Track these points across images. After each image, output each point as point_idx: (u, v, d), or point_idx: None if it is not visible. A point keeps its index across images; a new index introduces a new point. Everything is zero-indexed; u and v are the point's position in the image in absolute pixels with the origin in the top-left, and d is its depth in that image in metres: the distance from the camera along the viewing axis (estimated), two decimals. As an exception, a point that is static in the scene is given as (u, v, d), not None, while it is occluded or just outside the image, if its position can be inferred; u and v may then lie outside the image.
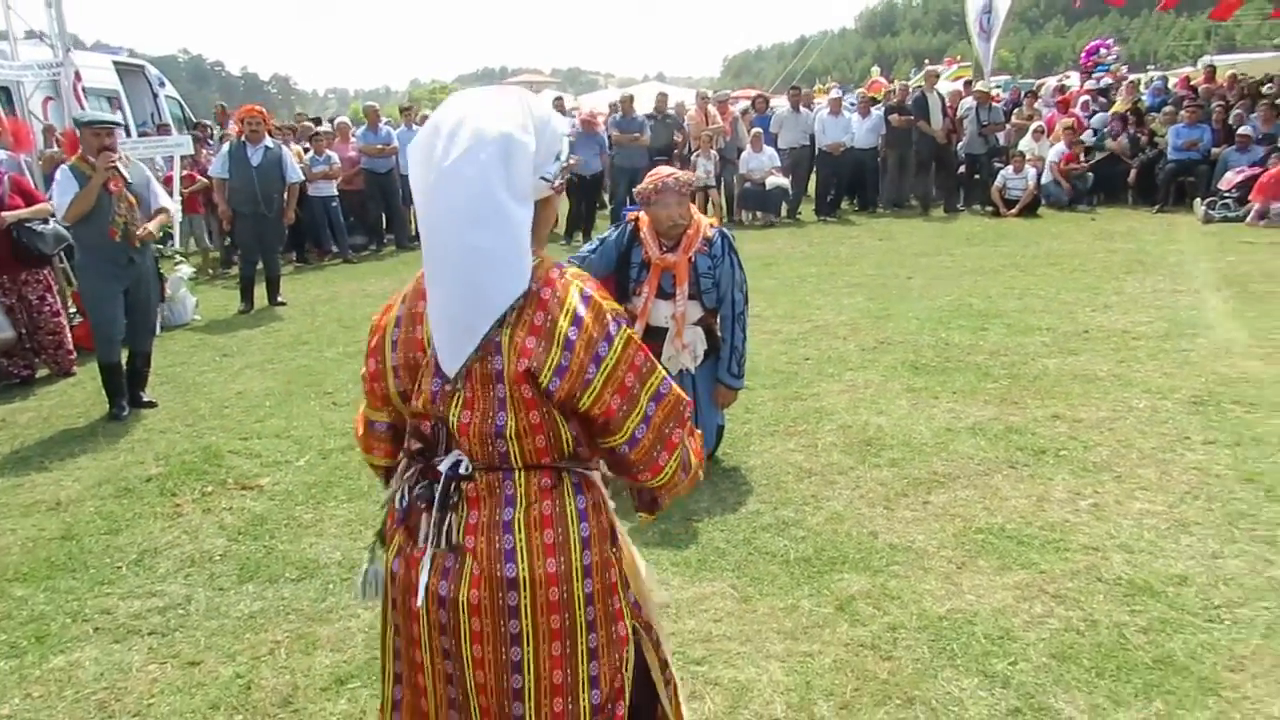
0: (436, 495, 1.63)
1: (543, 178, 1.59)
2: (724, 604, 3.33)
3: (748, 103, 15.55)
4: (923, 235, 11.81)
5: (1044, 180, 13.23)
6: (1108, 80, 16.73)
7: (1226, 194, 11.86)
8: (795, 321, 7.48)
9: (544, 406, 1.59)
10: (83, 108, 7.99)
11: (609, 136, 12.98)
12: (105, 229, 5.37)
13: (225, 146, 9.08)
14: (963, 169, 13.92)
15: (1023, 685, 2.80)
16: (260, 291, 9.08)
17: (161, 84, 14.79)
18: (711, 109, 13.40)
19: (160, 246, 8.61)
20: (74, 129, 5.58)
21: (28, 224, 6.24)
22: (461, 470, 1.63)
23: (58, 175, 5.57)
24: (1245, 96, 14.20)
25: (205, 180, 10.45)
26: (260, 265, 9.10)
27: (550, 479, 1.66)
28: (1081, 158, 13.37)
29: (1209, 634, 3.02)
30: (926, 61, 37.99)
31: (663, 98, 13.75)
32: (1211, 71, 16.69)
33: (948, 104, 13.75)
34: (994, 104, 13.91)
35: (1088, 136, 14.01)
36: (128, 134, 12.41)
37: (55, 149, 9.09)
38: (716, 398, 4.36)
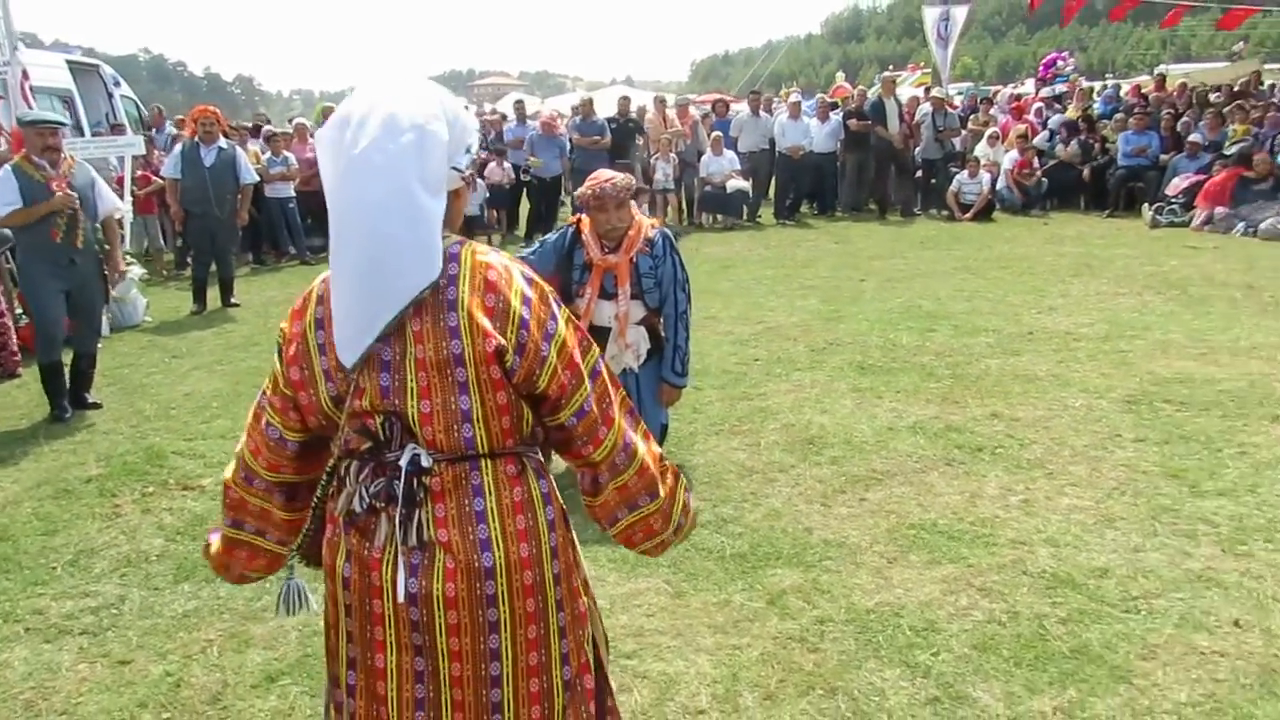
0: (399, 492, 1.60)
1: (454, 168, 1.61)
2: (657, 599, 3.38)
3: (708, 107, 15.65)
4: (879, 239, 11.96)
5: (999, 186, 13.46)
6: (1063, 89, 17.03)
7: (1174, 199, 12.13)
8: (748, 323, 7.56)
9: (509, 387, 1.61)
10: (30, 107, 7.87)
11: (570, 139, 13.01)
12: (47, 230, 5.32)
13: (178, 147, 9.00)
14: (919, 174, 14.11)
15: (943, 675, 2.87)
16: (213, 293, 9.01)
17: (117, 83, 14.56)
18: (670, 112, 13.48)
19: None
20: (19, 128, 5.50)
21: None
22: (423, 463, 1.60)
23: (0, 174, 5.51)
24: (1193, 105, 14.54)
25: (161, 181, 10.34)
26: (213, 266, 9.03)
27: (514, 465, 1.67)
28: (1035, 163, 13.60)
29: (1125, 624, 3.11)
30: (890, 67, 38.52)
31: (624, 101, 13.80)
32: (1161, 80, 17.07)
33: (905, 110, 13.94)
34: (950, 110, 14.12)
35: (1041, 140, 14.26)
36: (81, 134, 12.29)
37: (3, 147, 8.95)
38: (660, 395, 4.41)
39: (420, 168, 1.52)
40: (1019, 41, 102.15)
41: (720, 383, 5.94)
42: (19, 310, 7.27)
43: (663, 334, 4.41)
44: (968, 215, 12.98)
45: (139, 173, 10.78)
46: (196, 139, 8.67)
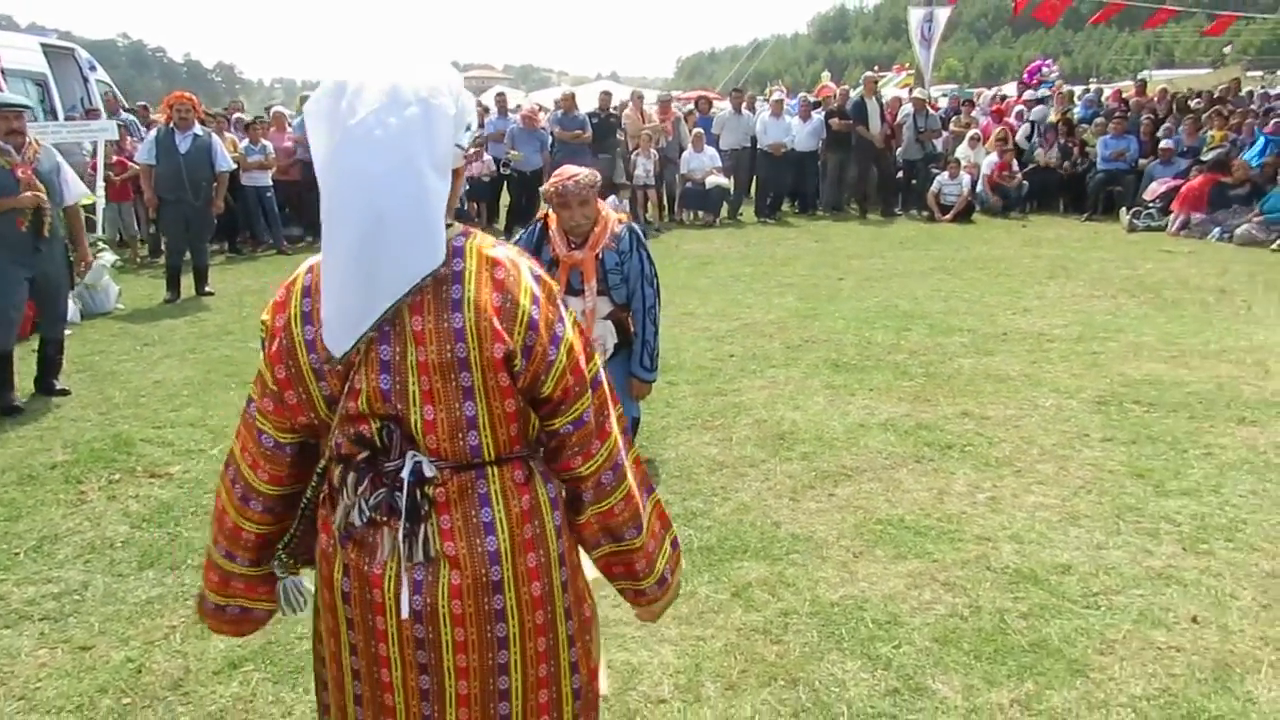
0: (402, 505, 1.50)
1: (457, 145, 1.51)
2: (624, 591, 3.38)
3: (690, 104, 15.66)
4: (858, 238, 12.01)
5: (979, 188, 13.55)
6: (1046, 94, 17.13)
7: (1151, 204, 12.25)
8: (725, 319, 7.57)
9: (516, 394, 1.51)
10: (1, 90, 7.76)
11: (551, 133, 12.98)
12: (12, 218, 5.24)
13: (152, 133, 8.91)
14: (900, 174, 14.18)
15: (903, 667, 2.89)
16: (188, 281, 8.93)
17: (92, 68, 14.40)
18: (649, 109, 13.47)
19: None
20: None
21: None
22: (426, 473, 1.51)
23: None
24: (1173, 111, 14.67)
25: (136, 167, 10.25)
26: (188, 255, 8.96)
27: (522, 471, 1.58)
28: (1014, 166, 13.69)
29: (1084, 619, 3.14)
30: (876, 68, 38.64)
31: (605, 96, 13.77)
32: (1142, 85, 17.22)
33: (887, 110, 14.00)
34: (931, 111, 14.19)
35: (1021, 139, 14.33)
36: (55, 118, 12.15)
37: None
38: (630, 390, 4.41)
39: (426, 143, 1.41)
40: (1004, 44, 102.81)
41: (694, 378, 5.95)
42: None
43: (631, 329, 4.43)
44: (947, 216, 13.06)
45: (114, 158, 10.68)
46: (172, 125, 8.59)
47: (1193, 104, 15.28)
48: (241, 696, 2.83)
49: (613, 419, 1.65)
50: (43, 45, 13.53)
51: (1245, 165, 11.60)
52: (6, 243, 5.30)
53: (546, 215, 4.19)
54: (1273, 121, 12.40)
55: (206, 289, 8.99)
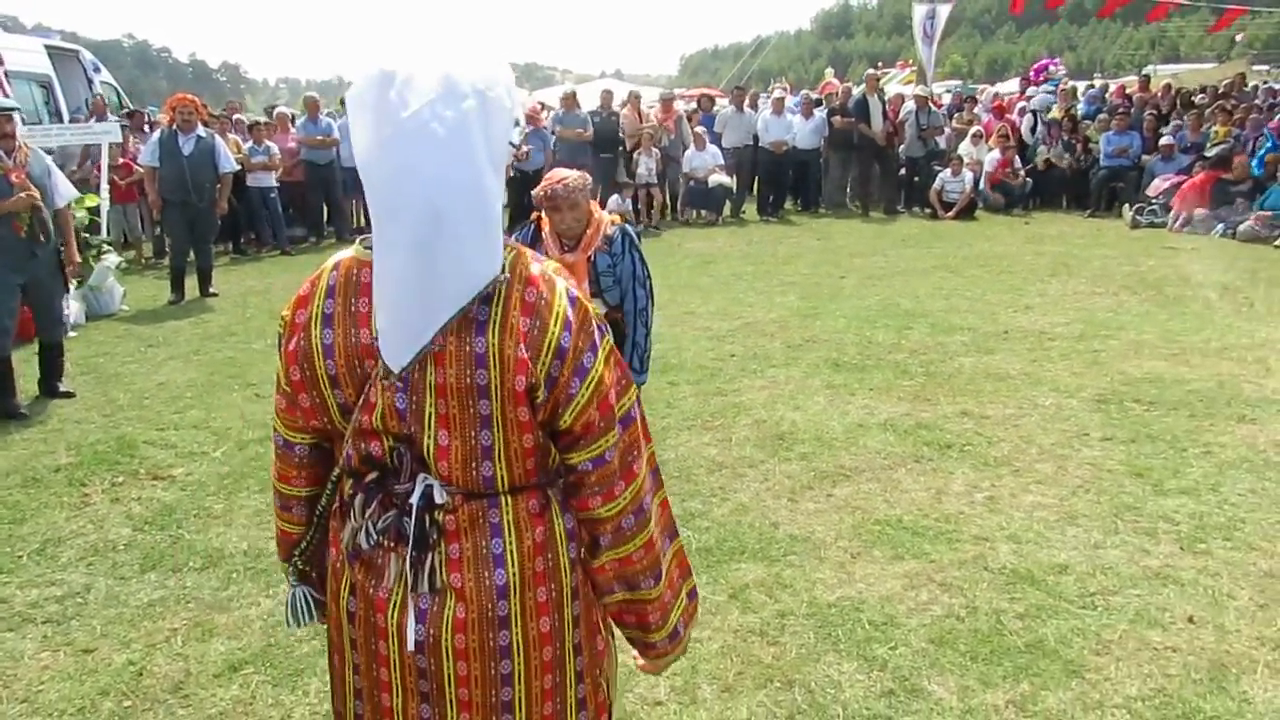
0: (410, 532, 1.43)
1: (510, 142, 1.43)
2: (622, 592, 3.40)
3: (693, 103, 15.65)
4: (861, 236, 12.01)
5: (981, 185, 13.52)
6: (1049, 93, 17.09)
7: (1154, 200, 12.22)
8: (726, 319, 7.58)
9: (536, 429, 1.42)
10: (6, 94, 7.80)
11: (553, 132, 12.99)
12: (9, 223, 5.26)
13: (156, 135, 8.94)
14: (903, 171, 14.16)
15: (899, 668, 2.91)
16: (191, 282, 8.97)
17: (97, 69, 14.46)
18: (647, 108, 13.47)
19: (88, 235, 8.48)
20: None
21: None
22: (436, 499, 1.43)
23: None
24: (1177, 106, 14.63)
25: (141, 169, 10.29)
26: (191, 256, 8.99)
27: (538, 500, 1.48)
28: (1016, 163, 13.66)
29: (1081, 620, 3.15)
30: (880, 64, 38.55)
31: (607, 94, 13.77)
32: (1146, 81, 17.17)
33: (889, 107, 13.98)
34: (934, 108, 14.16)
35: (1025, 132, 14.29)
36: (60, 120, 12.20)
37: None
38: None
39: (484, 139, 1.31)
40: (1008, 40, 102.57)
41: (695, 378, 5.96)
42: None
43: (625, 330, 4.45)
44: (950, 214, 13.04)
45: (121, 161, 10.72)
46: (175, 127, 8.62)
47: (1197, 99, 15.25)
48: (241, 699, 2.85)
49: (643, 460, 1.52)
50: (47, 47, 13.58)
51: (1247, 162, 11.56)
52: (3, 249, 5.32)
53: (539, 217, 4.19)
54: (1277, 118, 12.37)
55: (210, 290, 9.02)
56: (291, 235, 11.94)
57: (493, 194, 1.33)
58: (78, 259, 6.42)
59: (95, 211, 9.13)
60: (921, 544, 3.71)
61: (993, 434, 4.87)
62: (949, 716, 2.69)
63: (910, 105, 13.98)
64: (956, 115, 15.54)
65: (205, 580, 3.55)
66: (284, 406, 1.55)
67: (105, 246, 8.81)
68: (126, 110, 13.93)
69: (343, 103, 14.74)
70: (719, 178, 13.28)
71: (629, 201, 12.95)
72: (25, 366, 5.91)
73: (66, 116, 12.46)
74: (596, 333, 1.44)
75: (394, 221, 1.30)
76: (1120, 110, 13.94)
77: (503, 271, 1.37)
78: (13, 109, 5.64)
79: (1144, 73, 23.23)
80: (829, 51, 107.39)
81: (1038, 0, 19.00)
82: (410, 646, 1.46)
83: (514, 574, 1.46)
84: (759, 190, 14.09)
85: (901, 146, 13.88)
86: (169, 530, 3.99)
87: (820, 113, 13.97)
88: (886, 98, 14.44)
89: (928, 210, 13.43)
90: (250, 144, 11.29)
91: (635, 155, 12.99)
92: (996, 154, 13.55)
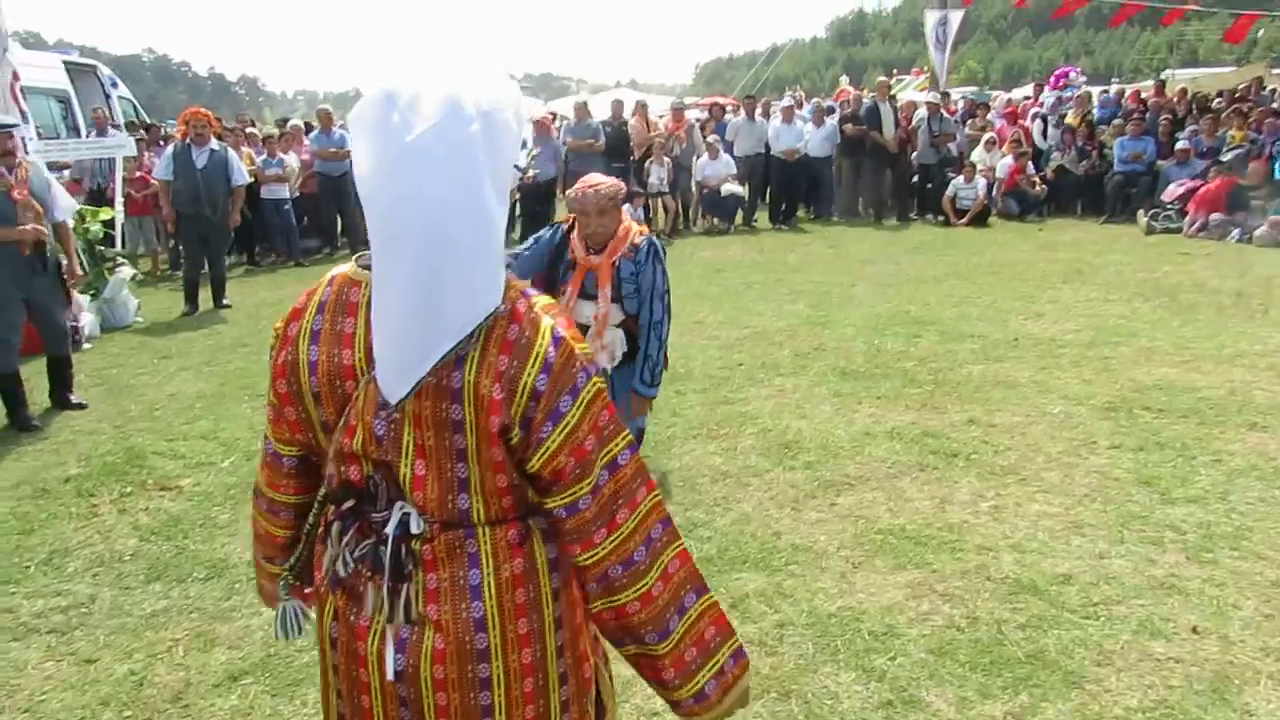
0: (386, 561, 1.41)
1: (515, 165, 1.42)
2: (622, 602, 3.40)
3: (705, 111, 15.68)
4: (872, 243, 11.98)
5: (995, 192, 13.46)
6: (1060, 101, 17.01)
7: (1169, 205, 12.13)
8: (735, 327, 7.57)
9: (510, 468, 1.38)
10: (20, 109, 7.92)
11: (564, 142, 13.04)
12: (15, 241, 5.33)
13: (170, 148, 9.04)
14: (915, 178, 14.11)
15: (897, 680, 2.89)
16: (206, 294, 9.05)
17: (114, 84, 14.68)
18: (656, 117, 13.50)
19: (102, 248, 8.58)
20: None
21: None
22: (412, 529, 1.41)
23: None
24: (1193, 111, 14.52)
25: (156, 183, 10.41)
26: (206, 267, 9.08)
27: (518, 531, 1.45)
28: (1029, 169, 13.59)
29: (1083, 630, 3.12)
30: (895, 71, 38.50)
31: (618, 104, 13.83)
32: (1161, 85, 17.05)
33: (902, 114, 13.96)
34: (946, 115, 14.12)
35: (1036, 136, 14.22)
36: (77, 134, 12.37)
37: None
38: (630, 405, 4.43)
39: (489, 164, 1.28)
40: (1024, 45, 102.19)
41: (702, 386, 5.96)
42: None
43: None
44: (963, 220, 12.99)
45: (137, 174, 10.85)
46: (188, 141, 8.72)
47: (1214, 103, 15.13)
48: (240, 709, 2.87)
49: (635, 508, 1.44)
50: (65, 63, 13.78)
51: (1263, 168, 11.46)
52: (7, 263, 5.37)
53: (572, 218, 4.23)
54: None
55: (224, 302, 9.10)
56: (305, 247, 12.02)
57: (496, 220, 1.30)
58: (79, 271, 6.49)
59: (110, 224, 9.23)
60: (924, 553, 3.69)
61: (1000, 442, 4.84)
62: (947, 728, 2.67)
63: (922, 112, 13.94)
64: (970, 122, 15.47)
65: (209, 590, 3.58)
66: (272, 417, 1.55)
67: (120, 259, 8.91)
68: (143, 124, 14.12)
69: (357, 115, 15.01)
70: (731, 187, 13.28)
71: (641, 211, 12.97)
72: (39, 379, 5.97)
73: (84, 131, 12.64)
74: (580, 375, 1.38)
75: (395, 248, 1.27)
76: (1135, 115, 13.85)
77: (503, 302, 1.34)
78: (12, 126, 5.70)
79: (1161, 77, 23.08)
80: (844, 59, 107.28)
81: (1049, 6, 18.84)
82: (390, 676, 1.44)
83: (492, 606, 1.43)
84: (771, 198, 14.08)
85: (914, 153, 13.85)
86: (174, 541, 4.02)
87: (832, 120, 13.96)
88: (899, 104, 14.42)
89: (941, 217, 13.37)
90: (264, 156, 11.39)
91: (646, 165, 13.02)
92: (1009, 160, 13.48)
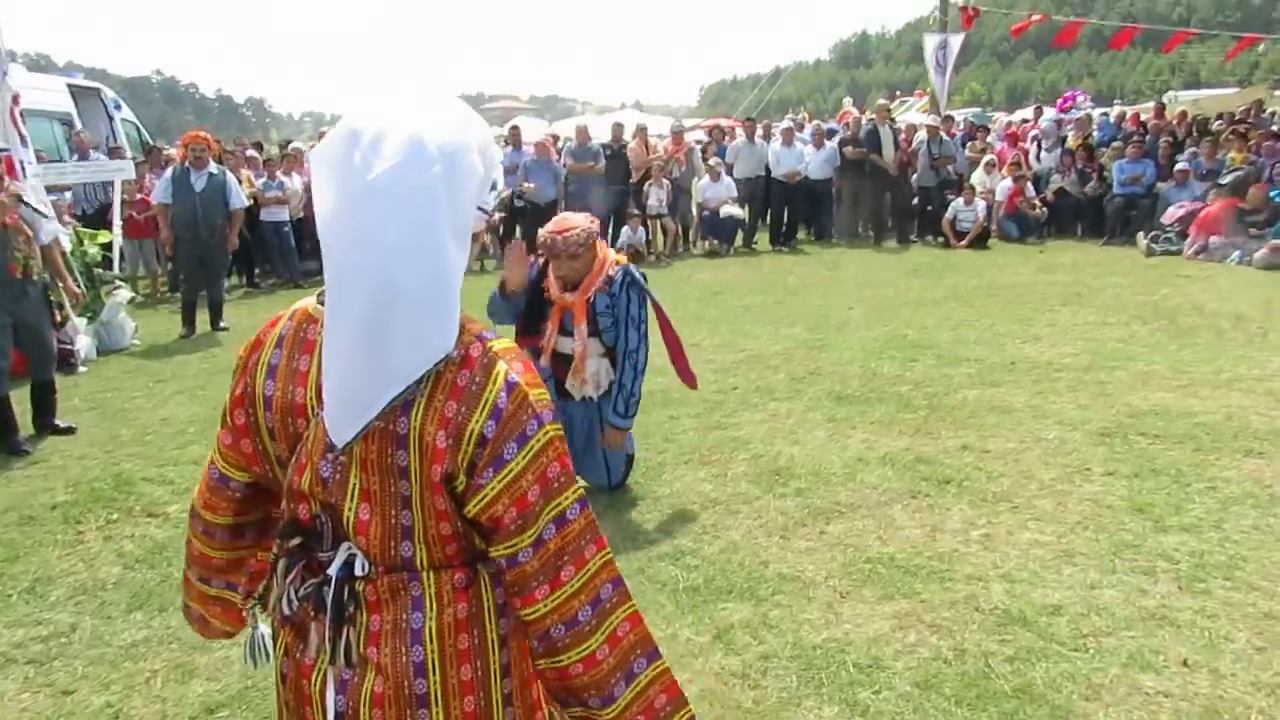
0: (329, 603, 1.38)
1: (480, 207, 1.37)
2: (605, 633, 3.36)
3: (705, 133, 15.74)
4: (871, 266, 11.97)
5: (996, 214, 13.46)
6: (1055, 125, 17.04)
7: (1169, 228, 12.11)
8: (731, 351, 7.55)
9: (454, 517, 1.34)
10: (20, 132, 7.96)
11: (565, 165, 13.08)
12: (5, 264, 5.34)
13: (168, 171, 9.09)
14: (915, 201, 14.12)
15: (881, 714, 2.85)
16: (204, 316, 9.07)
17: (118, 106, 14.79)
18: (656, 140, 13.55)
19: (100, 270, 8.61)
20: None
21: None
22: (357, 570, 1.38)
23: None
24: (1193, 133, 14.52)
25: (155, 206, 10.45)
26: (203, 290, 9.10)
27: (465, 575, 1.40)
28: (1028, 190, 13.59)
29: (1071, 663, 3.08)
30: (898, 93, 38.66)
31: (618, 127, 13.88)
32: (1161, 108, 17.08)
33: (902, 137, 13.99)
34: (947, 137, 14.13)
35: (1043, 163, 14.23)
36: (83, 156, 12.44)
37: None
38: (605, 436, 4.41)
39: (449, 207, 1.26)
40: (1027, 67, 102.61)
41: (696, 411, 5.93)
42: None
43: None
44: (963, 243, 12.99)
45: (138, 196, 10.90)
46: (187, 164, 8.76)
47: (1215, 125, 15.13)
48: (215, 743, 2.83)
49: (582, 566, 1.36)
50: (69, 85, 13.90)
51: (1263, 191, 11.44)
52: None
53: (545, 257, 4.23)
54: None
55: (221, 324, 9.11)
56: (305, 269, 12.03)
57: (454, 265, 1.27)
58: (76, 290, 6.49)
59: (108, 247, 9.26)
60: (913, 583, 3.65)
61: (993, 469, 4.81)
62: (930, 765, 2.63)
63: (922, 135, 13.97)
64: (970, 144, 15.50)
65: (189, 620, 3.54)
66: (228, 444, 1.52)
67: (118, 282, 8.93)
68: (145, 146, 14.21)
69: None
70: (731, 209, 13.31)
71: (642, 232, 13.00)
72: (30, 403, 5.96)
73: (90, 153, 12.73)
74: (531, 423, 1.32)
75: (346, 291, 1.25)
76: (1135, 138, 13.85)
77: (456, 348, 1.30)
78: (2, 151, 5.72)
79: (1162, 99, 23.14)
80: (847, 81, 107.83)
81: (1052, 30, 18.95)
82: (330, 717, 1.41)
83: (432, 651, 1.39)
84: (771, 220, 14.10)
85: (914, 176, 13.87)
86: (158, 569, 3.99)
87: (832, 143, 14.00)
88: (900, 127, 14.45)
89: (940, 239, 13.37)
90: (264, 179, 11.44)
91: (646, 187, 13.06)
92: (1009, 183, 13.49)
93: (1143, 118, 16.24)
